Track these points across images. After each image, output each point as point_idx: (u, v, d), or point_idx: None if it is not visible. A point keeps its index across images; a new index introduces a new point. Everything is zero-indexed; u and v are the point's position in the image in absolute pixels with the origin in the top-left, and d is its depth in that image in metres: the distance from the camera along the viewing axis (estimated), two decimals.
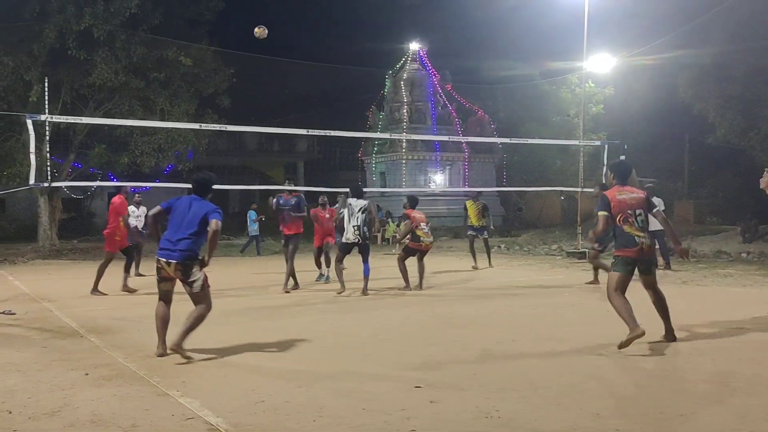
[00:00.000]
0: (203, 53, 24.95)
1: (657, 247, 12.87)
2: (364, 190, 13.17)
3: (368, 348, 7.03)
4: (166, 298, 6.88)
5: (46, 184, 14.62)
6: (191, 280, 6.65)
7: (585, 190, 20.16)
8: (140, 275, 14.69)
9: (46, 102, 15.11)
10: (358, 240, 11.29)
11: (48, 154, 15.71)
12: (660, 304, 7.13)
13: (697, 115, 24.00)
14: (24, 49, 22.31)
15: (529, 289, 12.17)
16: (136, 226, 14.49)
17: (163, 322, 6.80)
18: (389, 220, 27.58)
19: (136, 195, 15.59)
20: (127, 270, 12.47)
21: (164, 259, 6.67)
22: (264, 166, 43.49)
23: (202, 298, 6.72)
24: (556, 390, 5.29)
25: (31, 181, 10.84)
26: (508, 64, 35.30)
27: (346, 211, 11.48)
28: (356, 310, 9.75)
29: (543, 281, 13.57)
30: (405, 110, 33.97)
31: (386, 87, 35.53)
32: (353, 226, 11.29)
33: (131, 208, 14.68)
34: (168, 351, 6.59)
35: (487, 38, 39.92)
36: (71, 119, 17.12)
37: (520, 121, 34.11)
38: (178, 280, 6.75)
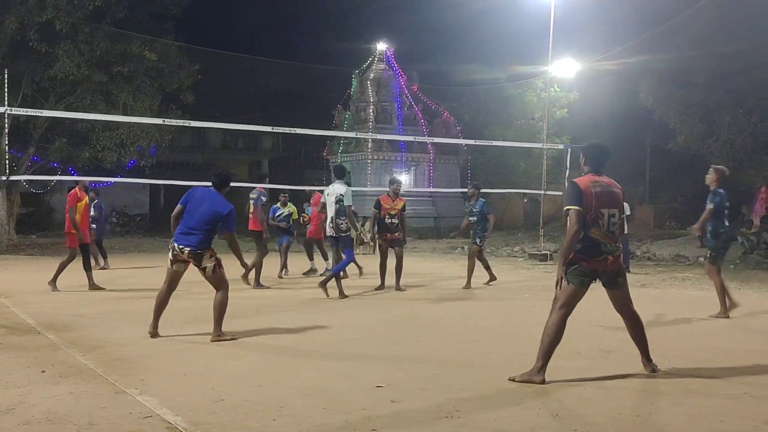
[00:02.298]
0: (168, 48, 24.65)
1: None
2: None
3: (331, 347, 7.01)
4: (173, 280, 7.44)
5: (3, 178, 14.37)
6: (204, 266, 7.24)
7: (548, 192, 20.39)
8: (103, 269, 14.62)
9: (6, 94, 14.80)
10: (334, 233, 10.90)
11: (7, 148, 15.40)
12: (636, 331, 5.89)
13: (658, 120, 24.37)
14: None
15: (491, 291, 12.25)
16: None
17: (161, 306, 7.44)
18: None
19: (91, 192, 15.45)
20: (87, 268, 12.07)
21: (180, 246, 7.21)
22: (228, 164, 43.11)
23: (218, 281, 7.32)
24: (517, 390, 5.33)
25: None
26: (475, 67, 35.52)
27: (327, 200, 11.02)
28: (322, 309, 9.71)
29: (505, 283, 13.66)
30: (371, 110, 33.96)
31: (353, 86, 35.49)
32: (329, 218, 10.89)
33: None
34: (213, 339, 7.19)
35: (454, 41, 40.20)
36: (31, 112, 16.78)
37: (485, 124, 34.33)
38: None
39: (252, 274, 11.97)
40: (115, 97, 23.84)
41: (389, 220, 11.85)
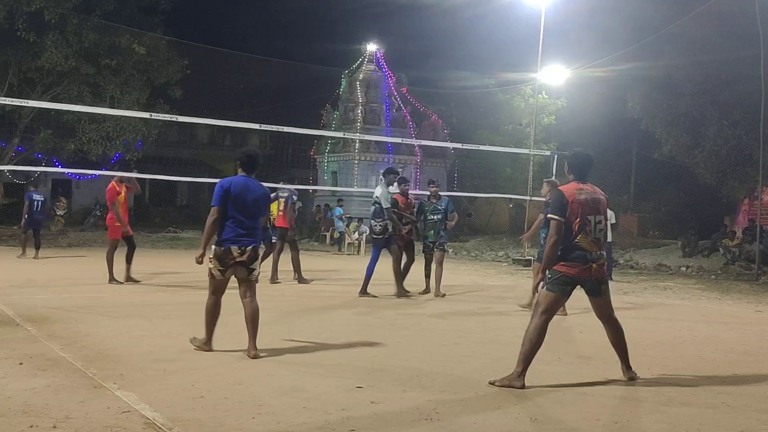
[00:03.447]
0: (157, 42, 24.59)
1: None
2: (315, 188, 13.23)
3: (311, 347, 7.00)
4: (221, 289, 6.63)
5: None
6: (253, 266, 6.56)
7: (533, 198, 20.46)
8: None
9: None
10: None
11: None
12: (616, 338, 5.87)
13: (645, 130, 24.51)
14: None
15: (474, 294, 12.27)
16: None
17: (212, 319, 6.61)
18: (343, 219, 27.53)
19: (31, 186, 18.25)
20: (128, 260, 11.98)
21: (243, 246, 6.43)
22: (214, 160, 42.99)
23: (253, 287, 6.61)
24: (497, 394, 5.34)
25: None
26: (464, 72, 35.58)
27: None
28: (302, 310, 9.70)
29: (488, 287, 13.70)
30: (359, 110, 33.92)
31: (342, 86, 35.44)
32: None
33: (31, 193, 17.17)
34: (251, 355, 6.37)
35: (445, 45, 40.27)
36: (17, 102, 16.65)
37: (472, 128, 34.38)
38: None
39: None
40: (103, 90, 23.77)
41: (405, 220, 11.73)
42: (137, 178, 13.06)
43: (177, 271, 14.35)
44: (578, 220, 5.53)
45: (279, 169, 39.60)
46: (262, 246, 11.78)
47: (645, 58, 21.97)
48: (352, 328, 8.28)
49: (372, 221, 11.09)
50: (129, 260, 11.98)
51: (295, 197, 13.20)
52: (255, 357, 6.32)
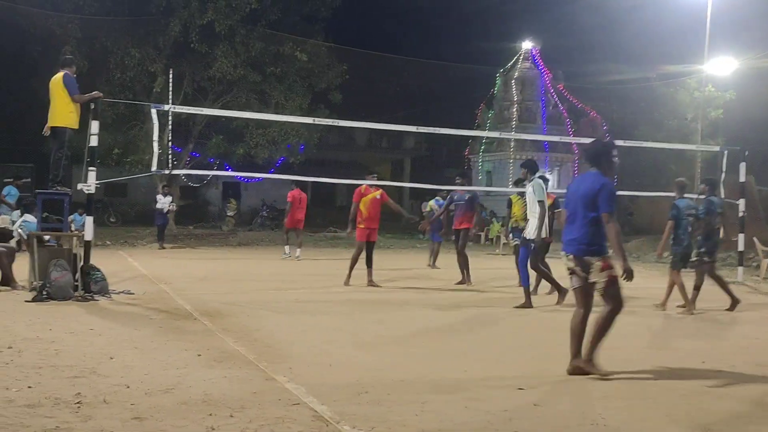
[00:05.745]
0: (318, 49, 25.50)
1: None
2: (471, 188, 13.05)
3: (470, 347, 6.99)
4: (585, 300, 5.84)
5: (166, 172, 15.32)
6: (591, 281, 5.72)
7: (700, 197, 19.33)
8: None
9: (170, 93, 15.81)
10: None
11: (169, 143, 16.47)
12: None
13: None
14: (150, 42, 23.44)
15: (649, 297, 11.79)
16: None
17: (577, 333, 5.84)
18: (493, 219, 27.36)
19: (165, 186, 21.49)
20: (369, 264, 12.03)
21: (563, 252, 5.90)
22: (371, 162, 43.97)
23: (610, 299, 5.74)
24: (670, 402, 5.12)
25: (153, 168, 11.33)
26: (623, 66, 34.25)
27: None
28: (459, 309, 9.67)
29: (646, 288, 13.10)
30: (515, 109, 33.57)
31: (496, 85, 35.19)
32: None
33: (158, 196, 20.01)
34: (575, 369, 5.75)
35: (602, 39, 38.72)
36: (192, 110, 17.85)
37: (633, 124, 33.06)
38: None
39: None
40: (268, 96, 24.95)
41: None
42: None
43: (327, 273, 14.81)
44: None
45: (434, 169, 40.01)
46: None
47: None
48: (512, 329, 8.21)
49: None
50: (369, 264, 11.98)
51: (478, 199, 13.06)
52: (577, 368, 5.77)
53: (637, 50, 35.12)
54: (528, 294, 9.97)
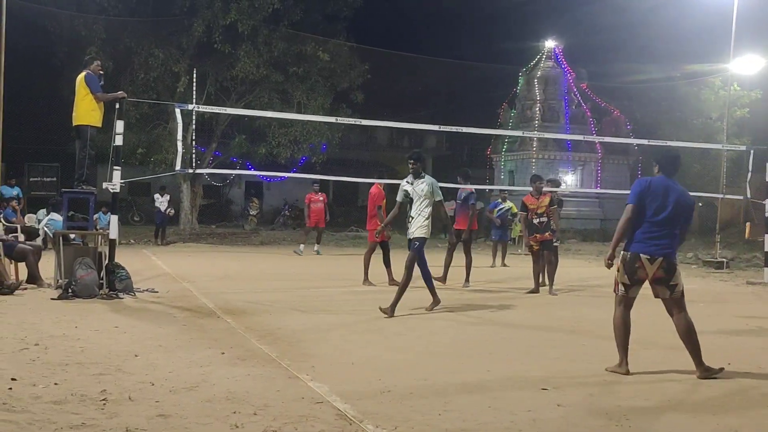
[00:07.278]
0: (340, 48, 25.54)
1: None
2: (492, 188, 13.03)
3: (493, 347, 6.97)
4: (630, 302, 6.00)
5: (190, 171, 15.43)
6: (673, 283, 5.84)
7: (726, 196, 19.14)
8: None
9: (194, 92, 15.92)
10: None
11: (193, 143, 16.59)
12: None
13: None
14: (173, 42, 23.62)
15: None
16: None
17: (625, 333, 5.95)
18: (517, 219, 27.22)
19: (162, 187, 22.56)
20: (386, 264, 11.95)
21: (648, 255, 5.78)
22: (393, 161, 43.96)
23: (682, 304, 5.90)
24: (693, 401, 5.07)
25: (177, 167, 11.41)
26: (646, 65, 33.95)
27: None
28: (480, 307, 9.66)
29: None
30: (537, 108, 33.38)
31: (519, 84, 35.03)
32: None
33: (156, 195, 20.90)
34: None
35: (625, 37, 38.37)
36: (215, 109, 17.97)
37: (657, 123, 32.77)
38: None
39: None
40: (290, 96, 25.03)
41: (537, 221, 11.41)
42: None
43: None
44: None
45: (456, 168, 39.88)
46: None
47: None
48: (532, 329, 8.18)
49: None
50: (387, 264, 11.91)
51: (474, 199, 12.93)
52: (704, 377, 5.70)
53: (661, 49, 34.79)
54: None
